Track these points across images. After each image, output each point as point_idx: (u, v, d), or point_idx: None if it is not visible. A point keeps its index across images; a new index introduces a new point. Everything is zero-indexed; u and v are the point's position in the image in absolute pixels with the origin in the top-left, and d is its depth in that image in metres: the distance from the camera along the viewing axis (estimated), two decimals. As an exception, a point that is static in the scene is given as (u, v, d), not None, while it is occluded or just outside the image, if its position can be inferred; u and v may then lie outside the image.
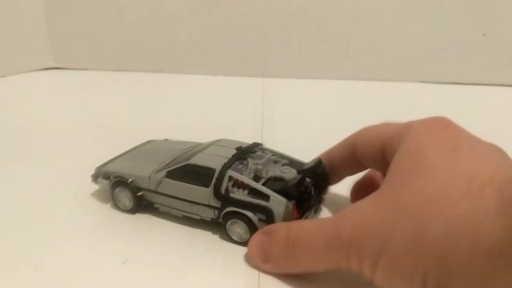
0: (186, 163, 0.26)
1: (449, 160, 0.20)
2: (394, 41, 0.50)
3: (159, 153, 0.30)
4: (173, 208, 0.26)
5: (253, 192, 0.24)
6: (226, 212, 0.25)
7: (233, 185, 0.25)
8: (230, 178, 0.25)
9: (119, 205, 0.28)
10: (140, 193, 0.27)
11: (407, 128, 0.23)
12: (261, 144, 0.29)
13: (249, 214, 0.24)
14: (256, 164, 0.26)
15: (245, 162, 0.26)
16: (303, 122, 0.43)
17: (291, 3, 0.50)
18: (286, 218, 0.24)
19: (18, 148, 0.38)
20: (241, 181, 0.25)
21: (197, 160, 0.26)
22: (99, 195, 0.30)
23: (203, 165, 0.25)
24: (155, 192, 0.27)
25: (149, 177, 0.27)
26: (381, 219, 0.20)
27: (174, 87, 0.50)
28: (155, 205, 0.27)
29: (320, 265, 0.22)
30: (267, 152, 0.28)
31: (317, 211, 0.28)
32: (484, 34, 0.49)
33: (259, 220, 0.24)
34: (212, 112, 0.45)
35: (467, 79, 0.50)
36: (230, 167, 0.25)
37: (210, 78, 0.51)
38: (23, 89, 0.50)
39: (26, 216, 0.28)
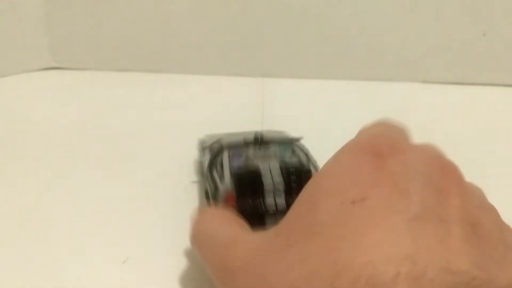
0: None
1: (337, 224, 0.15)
2: (394, 41, 0.50)
3: None
4: None
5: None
6: None
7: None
8: None
9: None
10: None
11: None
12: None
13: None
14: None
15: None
16: (303, 122, 0.43)
17: (291, 2, 0.50)
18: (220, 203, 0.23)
19: (18, 148, 0.38)
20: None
21: None
22: (99, 195, 0.30)
23: None
24: None
25: None
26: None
27: (174, 87, 0.50)
28: None
29: None
30: None
31: None
32: (484, 34, 0.49)
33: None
34: (212, 112, 0.45)
35: (467, 79, 0.50)
36: None
37: (210, 78, 0.51)
38: (23, 89, 0.50)
39: (25, 216, 0.28)
